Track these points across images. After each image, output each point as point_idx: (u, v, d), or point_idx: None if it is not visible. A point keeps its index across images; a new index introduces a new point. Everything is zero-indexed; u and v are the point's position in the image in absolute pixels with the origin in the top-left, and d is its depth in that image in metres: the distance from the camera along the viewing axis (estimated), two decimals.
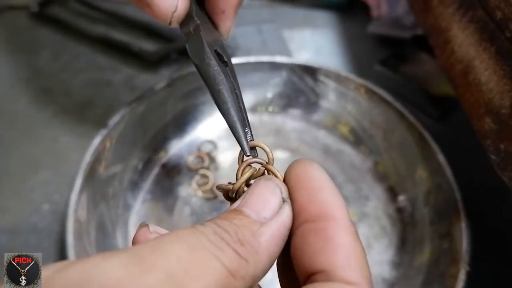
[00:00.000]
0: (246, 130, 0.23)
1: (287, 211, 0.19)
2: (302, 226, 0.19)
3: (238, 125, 0.23)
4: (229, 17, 0.33)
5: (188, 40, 0.29)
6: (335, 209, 0.19)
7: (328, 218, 0.19)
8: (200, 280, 0.16)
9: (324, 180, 0.20)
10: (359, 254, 0.19)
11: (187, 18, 0.30)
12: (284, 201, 0.19)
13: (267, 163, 0.22)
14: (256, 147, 0.23)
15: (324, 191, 0.19)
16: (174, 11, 0.29)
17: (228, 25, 0.34)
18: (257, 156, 0.23)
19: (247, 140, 0.23)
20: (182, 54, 0.54)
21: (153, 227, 0.20)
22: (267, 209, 0.19)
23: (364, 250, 0.19)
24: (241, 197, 0.20)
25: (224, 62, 0.27)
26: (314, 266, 0.18)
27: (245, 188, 0.21)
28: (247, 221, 0.18)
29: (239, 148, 0.23)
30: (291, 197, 0.20)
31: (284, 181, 0.20)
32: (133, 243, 0.19)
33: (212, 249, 0.17)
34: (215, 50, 0.27)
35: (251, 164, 0.22)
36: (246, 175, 0.21)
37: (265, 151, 0.22)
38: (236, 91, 0.25)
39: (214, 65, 0.26)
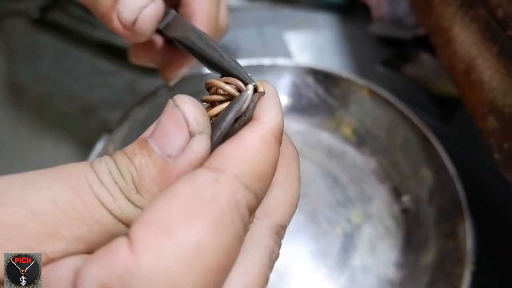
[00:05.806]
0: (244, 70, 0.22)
1: (194, 149, 0.16)
2: None
3: (235, 64, 0.22)
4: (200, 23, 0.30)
5: (169, 28, 0.27)
6: None
7: None
8: (78, 228, 0.14)
9: None
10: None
11: (164, 15, 0.28)
12: (192, 135, 0.16)
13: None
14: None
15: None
16: (144, 7, 0.26)
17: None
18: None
19: (246, 73, 0.22)
20: None
21: None
22: (170, 145, 0.16)
23: None
24: (155, 123, 0.17)
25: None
26: None
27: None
28: (149, 159, 0.15)
29: None
30: None
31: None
32: None
33: (102, 195, 0.15)
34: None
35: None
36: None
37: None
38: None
39: (198, 29, 0.24)
